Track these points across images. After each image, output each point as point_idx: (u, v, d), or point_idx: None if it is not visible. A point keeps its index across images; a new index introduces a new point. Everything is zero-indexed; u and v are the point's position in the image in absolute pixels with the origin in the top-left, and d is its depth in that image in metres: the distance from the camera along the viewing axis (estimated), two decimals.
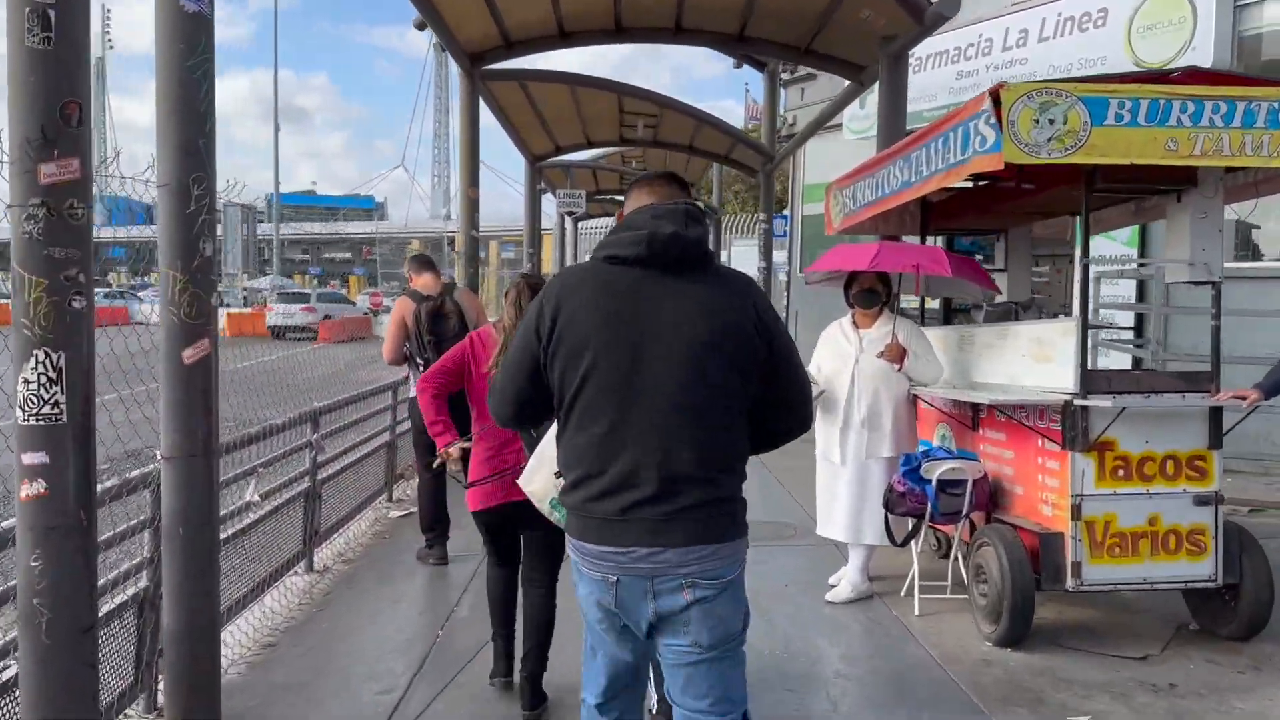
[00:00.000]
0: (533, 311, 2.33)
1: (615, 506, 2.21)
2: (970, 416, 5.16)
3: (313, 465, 5.76)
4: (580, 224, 30.30)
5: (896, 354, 4.96)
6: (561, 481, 2.38)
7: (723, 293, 2.28)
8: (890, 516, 4.94)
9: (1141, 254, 9.53)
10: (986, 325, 5.52)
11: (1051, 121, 3.91)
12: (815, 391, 5.14)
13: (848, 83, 8.79)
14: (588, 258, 2.44)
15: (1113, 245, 9.69)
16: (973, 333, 5.28)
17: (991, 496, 4.86)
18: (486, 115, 9.78)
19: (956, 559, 4.94)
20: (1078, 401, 4.24)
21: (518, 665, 3.80)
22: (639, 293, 2.24)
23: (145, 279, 59.53)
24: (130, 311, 34.86)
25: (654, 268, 2.25)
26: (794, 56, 8.54)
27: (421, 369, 5.68)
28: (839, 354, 5.21)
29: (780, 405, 2.37)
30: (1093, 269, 4.66)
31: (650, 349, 2.21)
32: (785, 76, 13.87)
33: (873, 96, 13.05)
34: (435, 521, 5.86)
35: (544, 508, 2.85)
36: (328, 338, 30.68)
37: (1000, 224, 6.18)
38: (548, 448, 2.67)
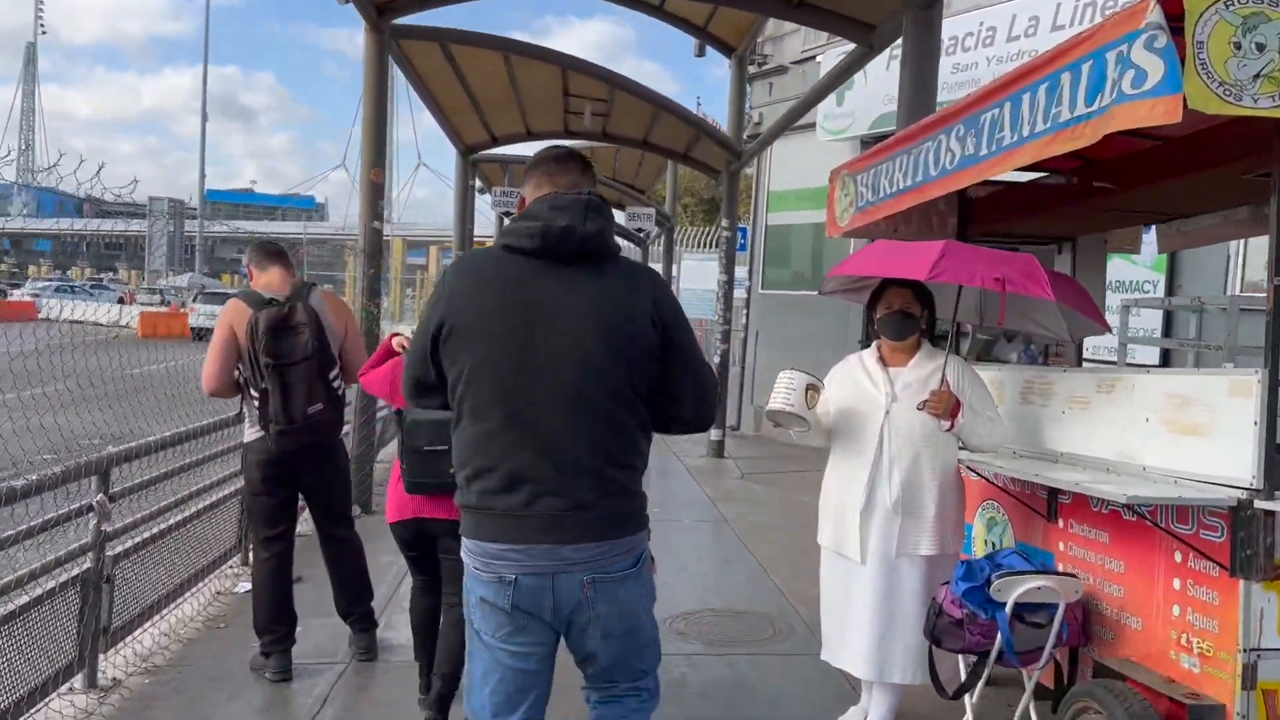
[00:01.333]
0: (433, 296, 2.29)
1: (512, 503, 2.17)
2: (1045, 500, 3.60)
3: (97, 538, 4.00)
4: None
5: (947, 407, 3.39)
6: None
7: (620, 284, 2.26)
8: (936, 650, 3.34)
9: (1171, 279, 8.17)
10: (1072, 372, 3.96)
11: (1260, 47, 2.37)
12: (808, 433, 3.73)
13: (825, 69, 7.21)
14: None
15: (1136, 269, 8.31)
16: (1048, 380, 3.70)
17: (1085, 623, 3.29)
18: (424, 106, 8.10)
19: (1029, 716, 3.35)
20: (1260, 504, 2.68)
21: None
22: (534, 284, 2.20)
23: (66, 274, 57.53)
24: (38, 306, 33.46)
25: (551, 259, 2.21)
26: (784, 12, 6.94)
27: (257, 404, 3.97)
28: (859, 401, 3.62)
29: (678, 399, 2.32)
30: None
31: (544, 341, 2.18)
32: (753, 69, 12.36)
33: (851, 92, 11.62)
34: (274, 621, 4.14)
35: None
36: None
37: (1067, 229, 4.65)
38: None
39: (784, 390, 3.57)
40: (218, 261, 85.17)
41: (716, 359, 10.55)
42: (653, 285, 2.30)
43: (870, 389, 3.61)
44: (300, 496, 4.35)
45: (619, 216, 20.95)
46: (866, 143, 11.26)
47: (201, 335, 29.91)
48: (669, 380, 2.29)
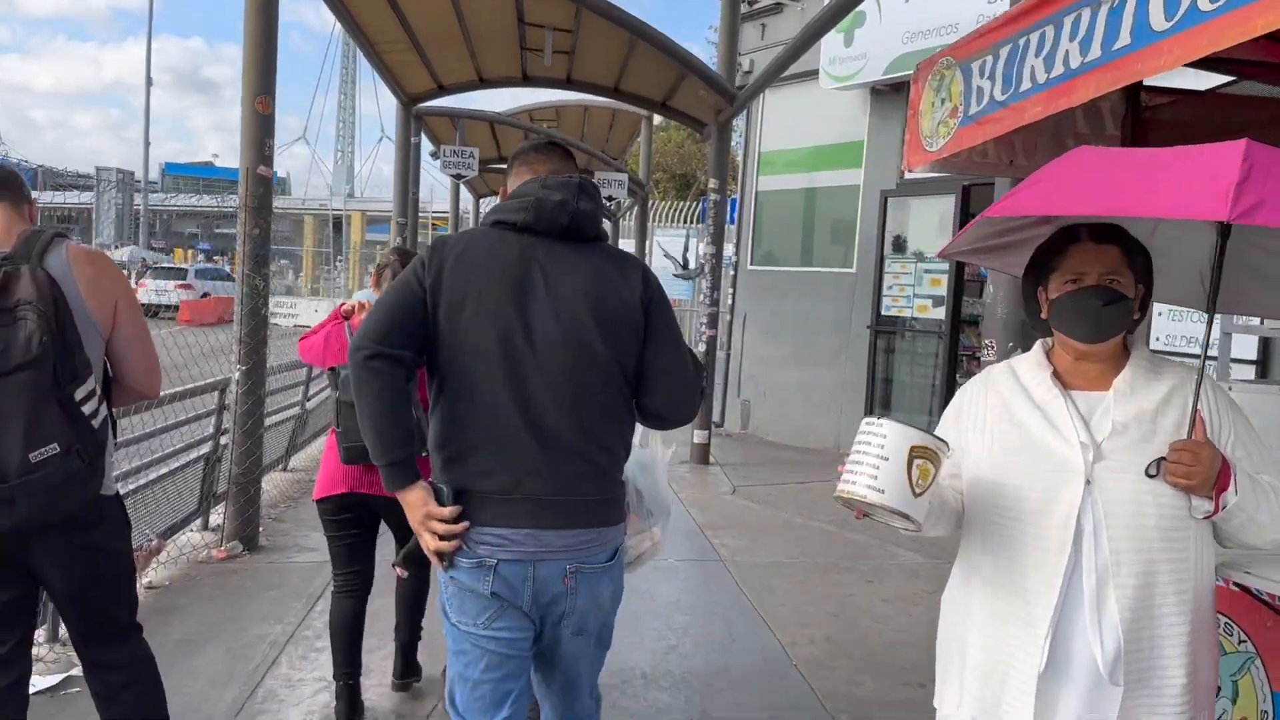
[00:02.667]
0: (410, 268, 2.15)
1: (496, 485, 2.07)
2: None
3: None
4: (486, 201, 26.97)
5: (1209, 471, 1.74)
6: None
7: (613, 267, 2.20)
8: None
9: None
10: None
11: None
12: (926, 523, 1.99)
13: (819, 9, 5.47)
14: None
15: None
16: None
17: None
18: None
19: None
20: None
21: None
22: (526, 259, 2.13)
23: None
24: None
25: (542, 235, 2.15)
26: None
27: None
28: (1028, 460, 1.92)
29: (658, 389, 2.23)
30: None
31: (536, 319, 2.09)
32: (745, 7, 10.59)
33: (862, 31, 9.88)
34: None
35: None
36: (191, 319, 26.75)
37: None
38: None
39: (870, 462, 1.84)
40: (174, 236, 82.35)
41: (701, 345, 8.84)
42: (642, 268, 2.27)
43: (1048, 436, 1.91)
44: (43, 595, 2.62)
45: None
46: (880, 91, 9.56)
47: (153, 313, 28.04)
48: (652, 368, 2.20)
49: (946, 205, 8.87)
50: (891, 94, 9.45)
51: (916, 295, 9.06)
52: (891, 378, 9.54)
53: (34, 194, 2.70)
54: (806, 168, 10.52)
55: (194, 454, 5.66)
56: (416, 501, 2.06)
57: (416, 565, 3.32)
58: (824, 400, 10.07)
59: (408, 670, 3.69)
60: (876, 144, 9.63)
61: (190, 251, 70.22)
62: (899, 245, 9.49)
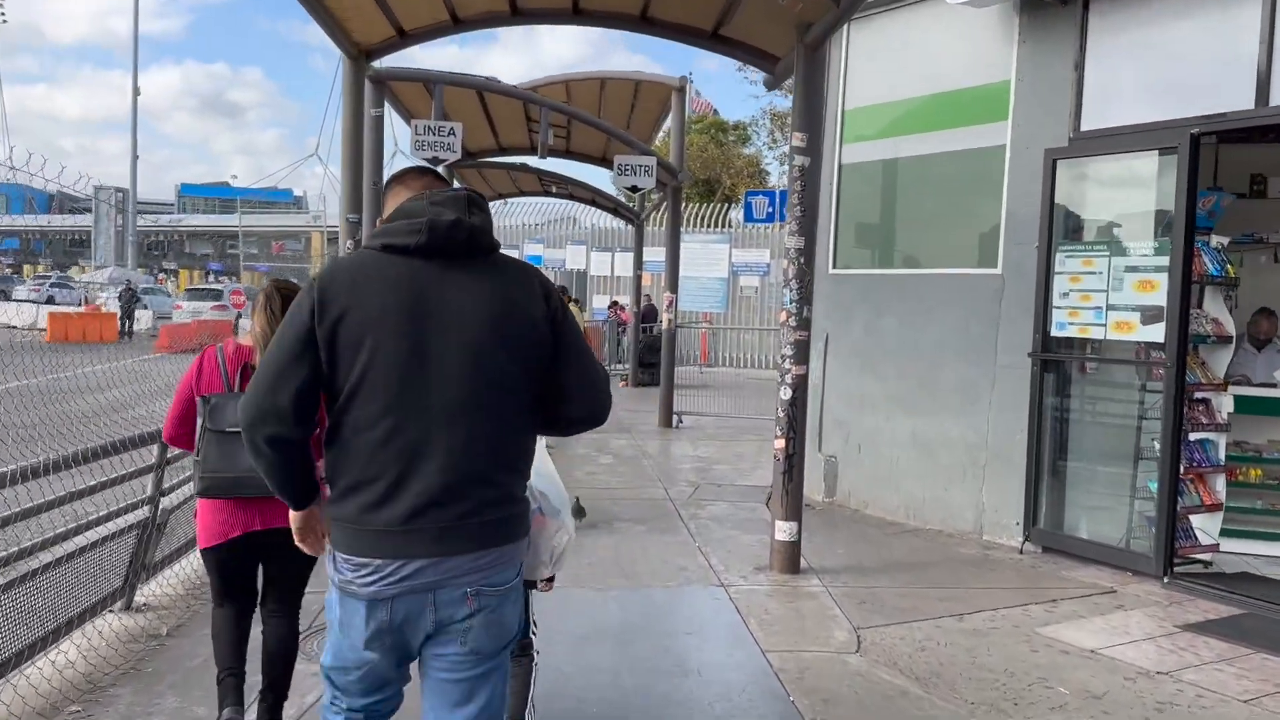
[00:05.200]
0: (300, 303, 2.11)
1: (395, 515, 2.05)
2: None
3: None
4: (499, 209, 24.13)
5: None
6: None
7: (510, 282, 2.18)
8: None
9: None
10: None
11: None
12: None
13: None
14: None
15: None
16: None
17: None
18: None
19: None
20: None
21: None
22: (420, 284, 2.10)
23: (64, 272, 53.64)
24: None
25: (436, 257, 2.12)
26: None
27: None
28: None
29: (570, 398, 2.24)
30: None
31: (432, 344, 2.08)
32: None
33: None
34: None
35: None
36: (169, 345, 24.36)
37: None
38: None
39: None
40: (187, 258, 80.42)
41: (787, 389, 5.75)
42: (541, 280, 2.25)
43: None
44: None
45: (604, 175, 15.99)
46: (1039, 3, 6.43)
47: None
48: (561, 379, 2.21)
49: (1161, 167, 5.76)
50: (1057, 7, 6.32)
51: (1113, 307, 5.90)
52: (1069, 432, 6.38)
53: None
54: (916, 127, 7.38)
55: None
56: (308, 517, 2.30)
57: (293, 613, 3.43)
58: (956, 462, 6.92)
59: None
60: (1032, 84, 6.49)
61: (197, 272, 68.30)
62: (1077, 230, 6.35)
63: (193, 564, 5.33)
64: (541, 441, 2.68)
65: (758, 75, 8.37)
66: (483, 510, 2.07)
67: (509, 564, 2.14)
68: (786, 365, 5.81)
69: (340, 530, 2.09)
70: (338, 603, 2.13)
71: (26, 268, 60.94)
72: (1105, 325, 5.94)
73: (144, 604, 4.89)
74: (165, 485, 4.82)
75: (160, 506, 4.79)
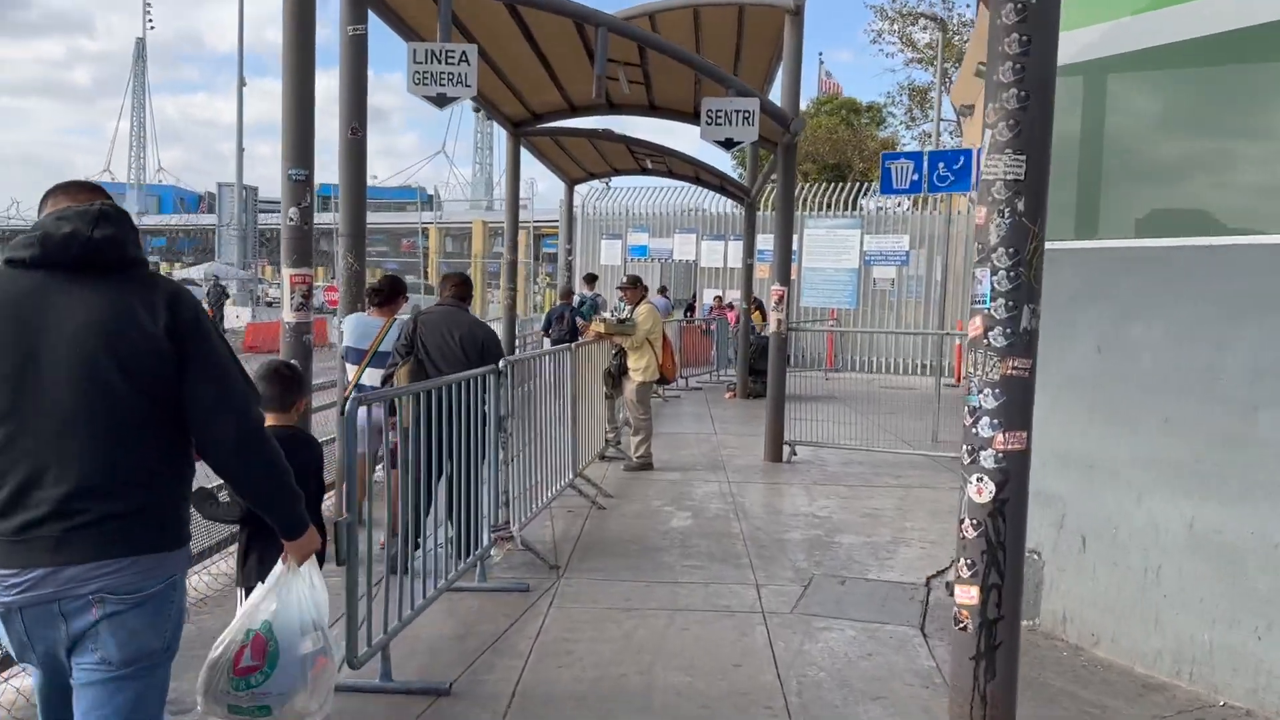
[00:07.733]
0: None
1: (13, 525, 2.06)
2: None
3: None
4: (585, 191, 21.54)
5: None
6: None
7: (135, 297, 2.14)
8: None
9: None
10: None
11: None
12: None
13: None
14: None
15: None
16: None
17: None
18: None
19: None
20: None
21: None
22: (35, 298, 2.11)
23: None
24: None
25: (56, 270, 2.13)
26: None
27: None
28: None
29: (207, 422, 2.20)
30: None
31: (44, 358, 2.08)
32: None
33: None
34: None
35: None
36: (257, 344, 22.56)
37: None
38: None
39: None
40: (321, 255, 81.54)
41: (986, 481, 2.69)
42: (172, 296, 2.18)
43: None
44: None
45: (688, 130, 12.26)
46: None
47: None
48: (192, 395, 2.17)
49: None
50: None
51: None
52: None
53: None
54: None
55: None
56: None
57: None
58: None
59: None
60: None
61: (322, 269, 68.62)
62: None
63: None
64: (309, 565, 2.54)
65: (892, 48, 5.62)
66: (104, 521, 2.07)
67: (141, 573, 2.10)
68: (980, 429, 2.76)
69: None
70: None
71: (164, 265, 62.61)
72: None
73: None
74: None
75: None
